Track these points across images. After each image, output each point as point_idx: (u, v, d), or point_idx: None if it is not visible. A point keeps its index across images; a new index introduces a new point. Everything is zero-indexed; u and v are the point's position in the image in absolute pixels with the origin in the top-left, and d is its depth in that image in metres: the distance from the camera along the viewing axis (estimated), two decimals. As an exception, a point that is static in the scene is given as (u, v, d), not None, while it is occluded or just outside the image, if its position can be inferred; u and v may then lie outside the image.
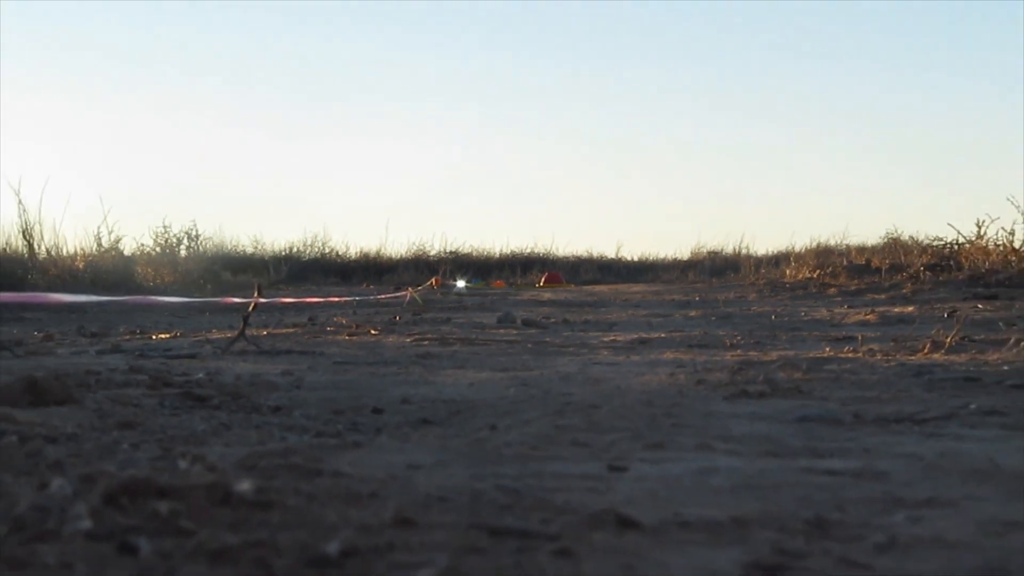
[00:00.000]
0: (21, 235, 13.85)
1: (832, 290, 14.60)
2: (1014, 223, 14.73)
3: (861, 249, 19.38)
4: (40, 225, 14.10)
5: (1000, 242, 14.37)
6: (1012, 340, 6.19)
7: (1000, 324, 7.75)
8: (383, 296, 15.47)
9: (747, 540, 1.98)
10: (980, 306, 10.12)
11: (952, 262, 14.92)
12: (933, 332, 6.43)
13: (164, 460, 2.65)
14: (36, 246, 13.86)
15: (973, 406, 3.77)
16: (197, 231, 18.64)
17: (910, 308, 10.41)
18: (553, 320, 10.19)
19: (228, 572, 1.72)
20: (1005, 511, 2.21)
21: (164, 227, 17.89)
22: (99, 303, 9.85)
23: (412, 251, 27.56)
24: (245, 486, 2.22)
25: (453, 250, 28.59)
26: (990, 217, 14.86)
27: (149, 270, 15.65)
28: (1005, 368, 4.92)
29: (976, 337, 6.60)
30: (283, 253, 23.45)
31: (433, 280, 20.12)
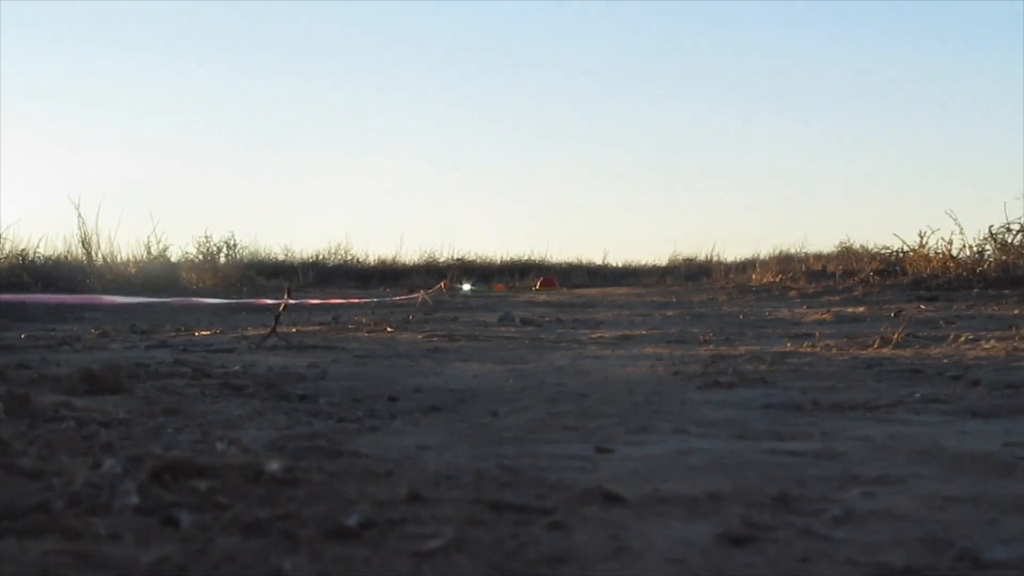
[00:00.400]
0: (81, 244, 13.87)
1: (792, 292, 14.59)
2: (952, 234, 14.77)
3: (818, 256, 19.38)
4: (97, 235, 14.12)
5: (939, 251, 14.40)
6: (951, 337, 6.19)
7: (940, 323, 7.74)
8: (398, 298, 15.45)
9: (719, 513, 1.98)
10: (922, 307, 10.13)
11: (898, 268, 14.95)
12: (882, 330, 6.44)
13: (204, 442, 2.64)
14: (94, 254, 13.87)
15: (918, 395, 3.78)
16: (235, 240, 18.63)
17: (861, 308, 10.40)
18: (547, 319, 10.19)
19: (259, 542, 1.70)
20: (947, 487, 2.21)
21: (206, 237, 17.89)
22: (148, 304, 9.85)
23: (424, 258, 27.57)
24: (275, 465, 2.21)
25: (460, 257, 28.59)
26: (931, 228, 14.92)
27: (192, 275, 15.67)
28: (945, 361, 4.93)
29: (919, 334, 6.60)
30: (310, 260, 23.43)
31: (442, 284, 20.11)
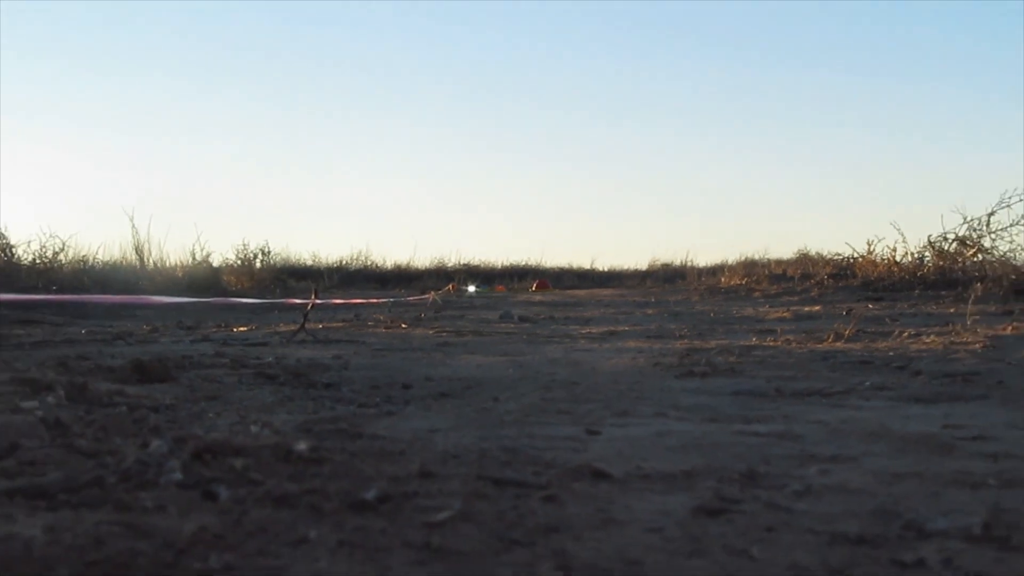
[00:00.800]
0: (134, 251, 13.87)
1: (757, 294, 14.58)
2: (896, 242, 14.82)
3: (779, 262, 19.38)
4: (148, 243, 14.13)
5: (885, 257, 14.41)
6: (896, 332, 6.19)
7: (886, 320, 7.74)
8: (412, 298, 15.44)
9: (694, 488, 1.97)
10: (870, 306, 10.11)
11: (849, 272, 14.94)
12: (835, 326, 6.43)
13: (240, 425, 2.63)
14: (145, 259, 13.88)
15: (867, 383, 3.77)
16: (268, 247, 18.66)
17: (817, 307, 10.39)
18: (542, 317, 10.18)
19: (288, 514, 1.69)
20: (894, 464, 2.21)
21: (243, 244, 17.91)
22: (193, 303, 9.84)
23: (434, 263, 27.57)
24: (302, 446, 2.20)
25: (465, 262, 28.60)
26: (878, 238, 14.99)
27: (232, 277, 15.67)
28: (891, 354, 4.92)
29: (868, 330, 6.59)
30: (335, 264, 23.43)
31: (450, 286, 20.13)
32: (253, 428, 2.55)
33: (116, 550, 1.44)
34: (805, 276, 15.84)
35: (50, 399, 2.90)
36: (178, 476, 1.90)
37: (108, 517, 1.61)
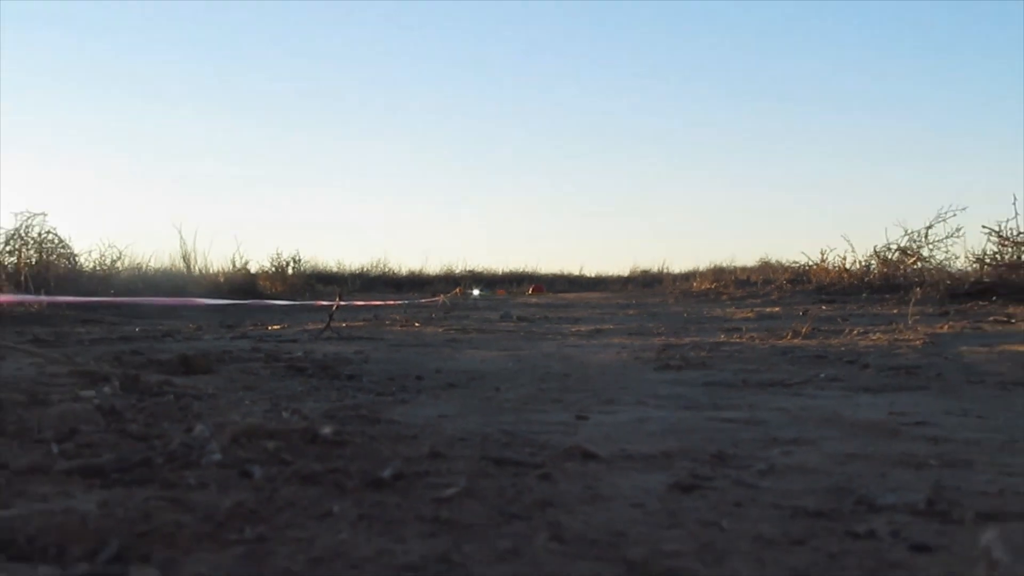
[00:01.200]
0: (182, 259, 13.86)
1: (724, 297, 14.57)
2: (845, 252, 14.86)
3: (744, 269, 19.35)
4: (194, 252, 14.12)
5: (836, 264, 14.42)
6: (847, 330, 6.18)
7: (838, 319, 7.73)
8: (424, 300, 15.44)
9: (671, 467, 1.96)
10: (824, 308, 10.10)
11: (805, 278, 14.94)
12: (793, 325, 6.42)
13: (273, 412, 2.61)
14: (191, 266, 13.87)
15: (822, 375, 3.76)
16: (299, 256, 18.61)
17: (777, 309, 10.39)
18: (538, 317, 10.17)
19: (315, 491, 1.68)
20: (846, 447, 2.21)
21: (277, 253, 17.89)
22: (233, 305, 9.83)
23: (443, 270, 27.56)
24: (327, 430, 2.19)
25: (471, 269, 28.59)
26: (830, 248, 15.11)
27: (267, 282, 15.66)
28: (842, 349, 4.92)
29: (822, 328, 6.58)
30: (357, 271, 23.43)
31: (457, 290, 20.06)
32: (284, 414, 2.53)
33: (162, 522, 1.42)
34: (767, 281, 15.85)
35: (106, 389, 2.89)
36: (218, 457, 1.89)
37: (156, 493, 1.60)
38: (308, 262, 20.04)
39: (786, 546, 1.40)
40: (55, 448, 1.95)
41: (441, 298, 14.89)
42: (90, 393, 2.77)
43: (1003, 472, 1.91)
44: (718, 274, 20.04)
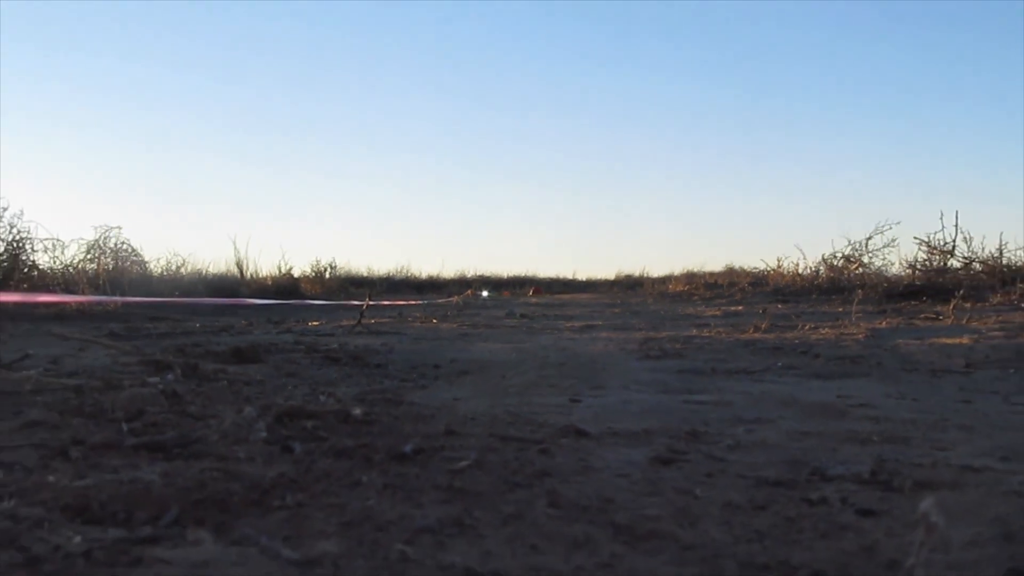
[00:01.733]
0: (236, 265, 13.87)
1: (695, 297, 14.51)
2: (798, 259, 14.79)
3: (712, 273, 19.25)
4: (246, 259, 14.12)
5: (790, 270, 14.37)
6: (800, 326, 6.15)
7: (792, 316, 7.69)
8: (440, 301, 15.43)
9: (651, 443, 1.94)
10: (780, 307, 10.06)
11: (764, 281, 14.87)
12: (754, 321, 6.40)
13: (311, 395, 2.60)
14: (243, 272, 13.86)
15: (779, 364, 3.74)
16: (335, 262, 18.58)
17: (740, 307, 10.35)
18: (537, 314, 10.14)
19: (346, 463, 1.67)
20: (801, 426, 2.19)
21: (317, 260, 17.88)
22: (279, 304, 9.83)
23: (457, 274, 27.44)
24: (357, 411, 2.17)
25: (480, 274, 28.47)
26: (785, 256, 15.07)
27: (307, 285, 15.64)
28: (796, 341, 4.89)
29: (779, 324, 6.55)
30: (384, 275, 23.34)
31: (469, 291, 20.05)
32: (321, 398, 2.52)
33: (216, 490, 1.41)
34: (731, 284, 15.80)
35: (169, 376, 2.88)
36: (264, 434, 1.87)
37: (210, 465, 1.59)
38: (342, 268, 19.98)
39: (750, 511, 1.39)
40: (125, 426, 1.94)
41: (455, 299, 14.89)
42: (156, 379, 2.76)
43: (935, 447, 1.89)
44: (690, 278, 19.97)
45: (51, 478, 1.44)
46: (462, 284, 24.48)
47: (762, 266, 15.86)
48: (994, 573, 1.10)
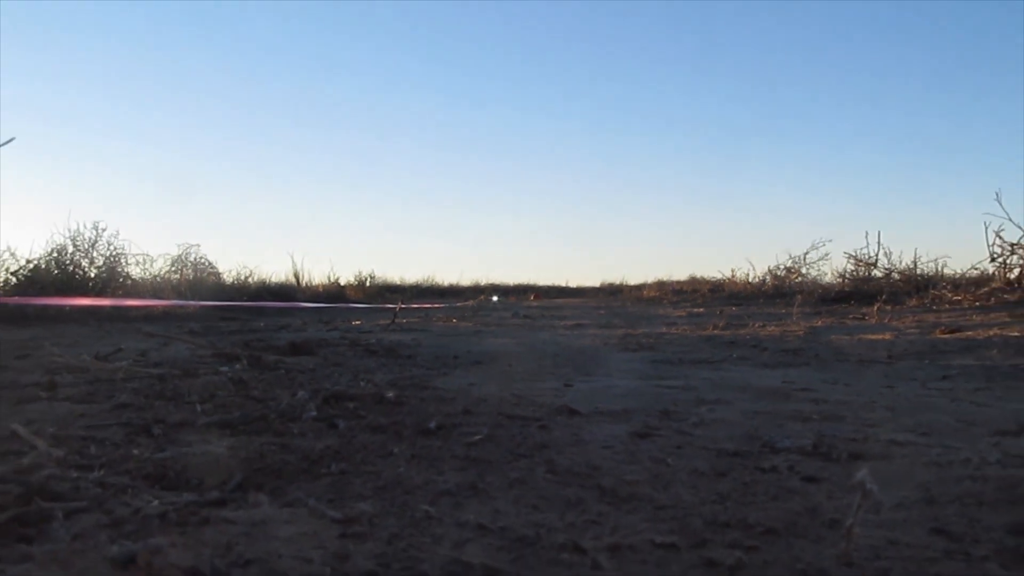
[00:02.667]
0: (293, 275, 13.85)
1: (665, 301, 14.44)
2: (748, 270, 14.70)
3: (678, 281, 19.07)
4: (301, 271, 14.09)
5: (742, 278, 14.31)
6: (750, 324, 6.11)
7: (744, 317, 7.63)
8: (459, 304, 15.39)
9: (631, 420, 1.91)
10: (734, 309, 9.99)
11: (720, 288, 14.80)
12: (713, 321, 6.36)
13: (353, 381, 2.57)
14: (299, 281, 13.84)
15: (734, 355, 3.70)
16: (374, 273, 18.58)
17: (702, 309, 10.29)
18: (537, 315, 10.10)
19: (381, 437, 1.64)
20: (753, 406, 2.15)
21: (360, 271, 17.86)
22: (328, 308, 9.82)
23: (472, 283, 27.30)
24: (390, 394, 2.15)
25: (491, 282, 28.28)
26: (738, 267, 15.06)
27: (352, 291, 15.64)
28: (748, 337, 4.85)
29: (733, 323, 6.50)
30: (413, 284, 23.27)
31: (481, 296, 20.03)
32: (361, 383, 2.50)
33: (273, 460, 1.39)
34: (694, 290, 15.71)
35: (237, 366, 2.86)
36: (314, 413, 1.85)
37: (269, 440, 1.57)
38: (380, 277, 19.86)
39: (713, 477, 1.36)
40: (199, 408, 1.92)
41: (471, 303, 14.86)
42: (226, 369, 2.75)
43: (865, 424, 1.86)
44: (660, 285, 19.83)
45: (135, 451, 1.42)
46: (476, 291, 24.41)
47: (720, 275, 15.80)
48: (919, 531, 1.07)
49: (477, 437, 1.65)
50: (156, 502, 1.10)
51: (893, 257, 10.10)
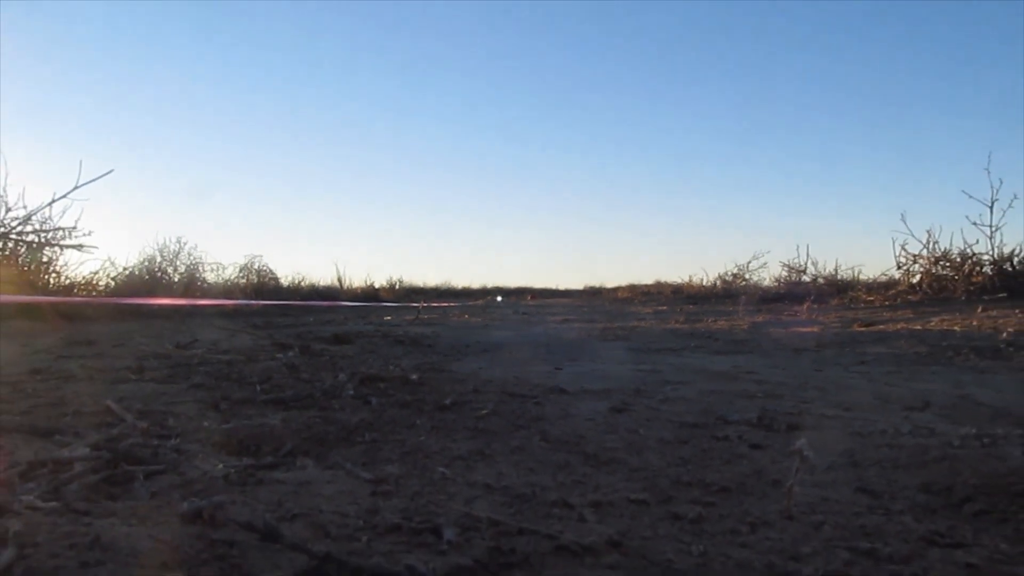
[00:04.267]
0: (336, 280, 13.81)
1: (636, 301, 14.38)
2: (703, 276, 14.64)
3: (647, 285, 18.91)
4: (343, 275, 14.02)
5: (697, 282, 14.26)
6: (705, 320, 6.06)
7: (700, 314, 7.60)
8: (470, 303, 15.35)
9: (610, 398, 1.88)
10: (691, 307, 9.94)
11: (681, 290, 14.73)
12: (675, 317, 6.32)
13: (384, 365, 2.54)
14: (342, 284, 13.80)
15: (693, 344, 3.67)
16: (402, 278, 18.52)
17: (665, 307, 10.25)
18: (533, 312, 10.08)
19: (406, 411, 1.62)
20: (709, 386, 2.11)
21: (391, 276, 17.79)
22: (364, 306, 9.79)
23: (481, 285, 27.22)
24: (414, 376, 2.12)
25: (496, 285, 28.27)
26: (693, 273, 14.96)
27: (384, 293, 15.52)
28: (703, 330, 4.81)
29: (691, 319, 6.46)
30: (433, 287, 23.19)
31: (489, 296, 19.96)
32: (391, 367, 2.47)
33: (317, 431, 1.36)
34: (659, 292, 15.63)
35: (290, 353, 2.84)
36: (351, 392, 1.83)
37: (315, 414, 1.54)
38: (407, 281, 19.81)
39: (677, 444, 1.33)
40: (258, 387, 1.90)
41: (480, 302, 14.79)
42: (281, 356, 2.72)
43: (801, 401, 1.83)
44: (632, 288, 19.71)
45: (205, 423, 1.40)
46: (484, 292, 24.35)
47: (680, 280, 15.73)
48: (847, 490, 1.04)
49: (484, 412, 1.62)
50: (220, 466, 1.08)
51: (819, 265, 10.08)
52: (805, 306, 7.04)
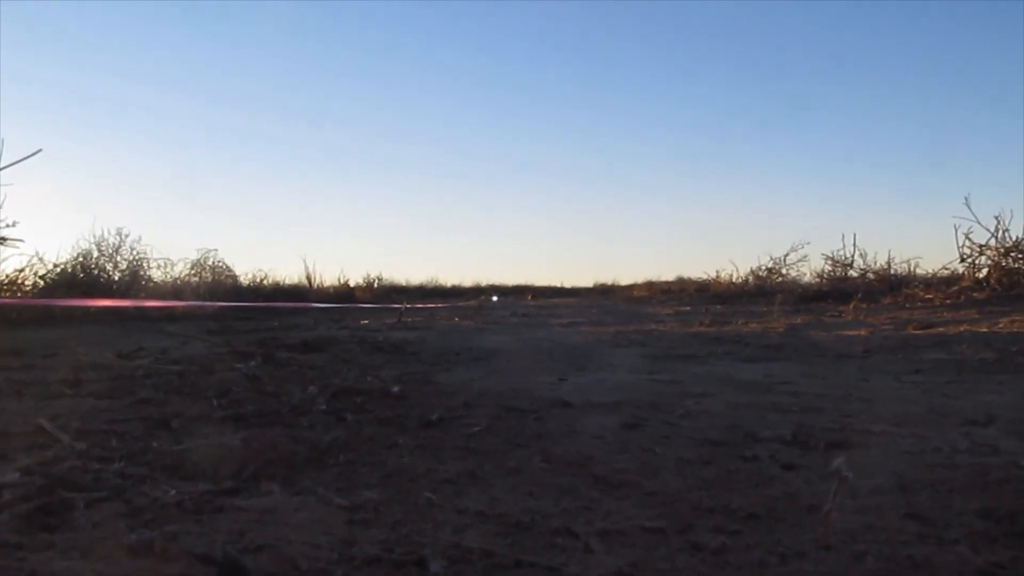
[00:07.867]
0: (306, 278, 13.81)
1: (654, 300, 14.43)
2: (732, 271, 14.69)
3: (666, 282, 18.92)
4: (313, 274, 14.03)
5: (726, 279, 14.29)
6: (734, 322, 6.09)
7: (728, 315, 7.63)
8: (461, 304, 15.37)
9: (621, 412, 1.90)
10: (719, 307, 9.98)
11: (706, 288, 14.78)
12: (699, 318, 6.35)
13: (361, 376, 2.56)
14: (311, 282, 13.81)
15: (720, 350, 3.69)
16: (381, 275, 18.52)
17: (688, 308, 10.28)
18: (534, 314, 10.09)
19: (386, 429, 1.63)
20: (736, 398, 2.14)
21: (368, 273, 17.81)
22: (338, 307, 9.80)
23: (474, 284, 27.26)
24: (396, 388, 2.14)
25: (491, 283, 28.25)
26: (722, 268, 14.98)
27: (360, 292, 15.60)
28: (732, 333, 4.83)
29: (718, 321, 6.49)
30: (418, 285, 23.18)
31: (483, 296, 19.99)
32: (368, 379, 2.48)
33: (284, 451, 1.38)
34: (681, 290, 15.71)
35: (251, 363, 2.85)
36: (323, 407, 1.84)
37: (280, 432, 1.55)
38: (387, 279, 19.82)
39: (699, 465, 1.35)
40: (215, 402, 1.91)
41: (473, 302, 14.83)
42: (241, 365, 2.73)
43: (842, 415, 1.85)
44: (650, 285, 19.77)
45: (154, 443, 1.41)
46: (477, 291, 24.37)
47: (705, 276, 15.76)
48: (893, 516, 1.06)
49: (477, 428, 1.64)
50: (173, 491, 1.09)
51: (868, 258, 10.11)
52: (851, 305, 7.07)
